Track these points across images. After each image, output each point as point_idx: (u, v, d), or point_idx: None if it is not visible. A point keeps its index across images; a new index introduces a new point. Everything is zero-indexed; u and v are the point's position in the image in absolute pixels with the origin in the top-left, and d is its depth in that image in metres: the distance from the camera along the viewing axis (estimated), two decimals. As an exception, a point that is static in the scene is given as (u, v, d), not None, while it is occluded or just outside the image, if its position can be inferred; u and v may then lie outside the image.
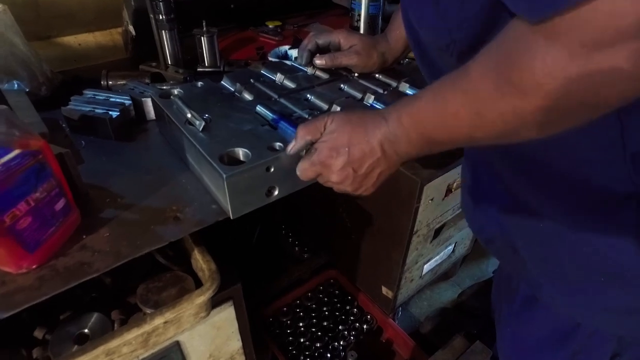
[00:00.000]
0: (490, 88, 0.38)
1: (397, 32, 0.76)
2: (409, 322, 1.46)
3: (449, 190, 1.05)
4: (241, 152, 0.57)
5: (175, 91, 0.73)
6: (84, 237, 0.53)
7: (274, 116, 0.63)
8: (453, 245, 1.34)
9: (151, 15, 0.85)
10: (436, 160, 0.92)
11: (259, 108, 0.67)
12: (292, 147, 0.55)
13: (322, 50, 0.78)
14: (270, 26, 1.13)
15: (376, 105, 0.70)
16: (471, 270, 1.64)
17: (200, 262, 0.63)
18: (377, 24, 1.13)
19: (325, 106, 0.69)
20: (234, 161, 0.57)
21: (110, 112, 0.73)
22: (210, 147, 0.57)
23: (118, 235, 0.54)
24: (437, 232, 1.18)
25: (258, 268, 1.44)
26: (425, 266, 1.27)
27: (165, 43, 0.93)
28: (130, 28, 1.02)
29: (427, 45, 0.54)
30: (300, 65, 0.80)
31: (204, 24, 0.92)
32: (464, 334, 1.29)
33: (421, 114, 0.46)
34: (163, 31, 0.90)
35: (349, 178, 0.53)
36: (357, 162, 0.51)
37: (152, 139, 0.74)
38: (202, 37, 0.92)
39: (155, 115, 0.76)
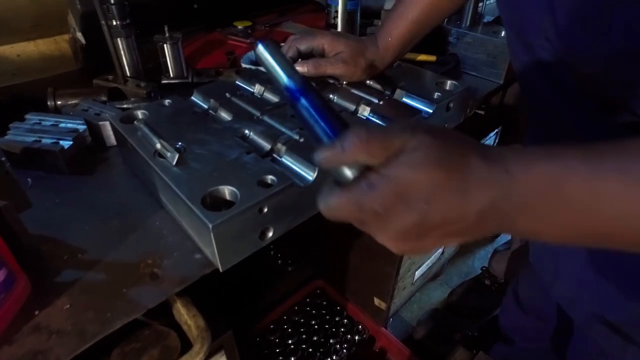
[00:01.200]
0: None
1: (389, 40, 0.68)
2: (401, 328, 1.41)
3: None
4: (227, 191, 0.48)
5: (139, 113, 0.63)
6: (37, 312, 0.43)
7: (291, 85, 0.38)
8: (442, 247, 1.29)
9: (102, 22, 0.73)
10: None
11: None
12: (327, 156, 0.33)
13: (304, 57, 0.69)
14: (240, 27, 1.03)
15: (373, 119, 0.62)
16: (458, 268, 1.61)
17: (185, 316, 0.54)
18: (356, 20, 1.05)
19: (316, 123, 0.61)
20: (218, 202, 0.48)
21: (61, 142, 0.61)
22: (189, 187, 0.48)
23: (81, 305, 0.44)
24: (429, 237, 1.12)
25: (240, 286, 1.35)
26: (417, 272, 1.22)
27: (122, 52, 0.81)
28: (79, 35, 0.88)
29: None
30: None
31: (165, 29, 0.80)
32: (460, 337, 1.26)
33: (626, 192, 0.28)
34: (118, 39, 0.79)
35: (408, 243, 0.33)
36: (430, 228, 0.31)
37: (116, 170, 0.64)
38: (164, 45, 0.81)
39: (117, 141, 0.65)
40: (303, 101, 0.37)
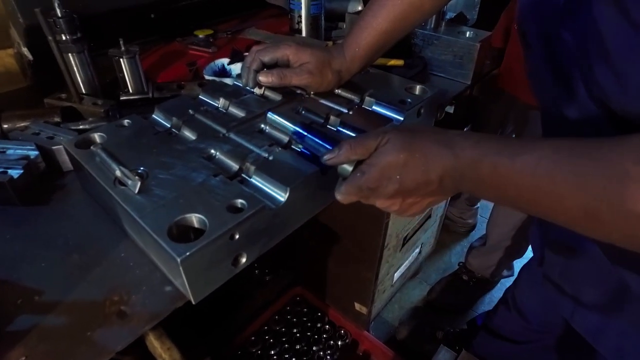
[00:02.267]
0: None
1: (356, 50, 0.66)
2: (383, 329, 1.41)
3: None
4: (195, 219, 0.45)
5: (97, 136, 0.59)
6: (-10, 368, 0.39)
7: (297, 128, 0.57)
8: (420, 247, 1.30)
9: (49, 37, 0.68)
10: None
11: (271, 115, 0.60)
12: (330, 158, 0.48)
13: (268, 67, 0.67)
14: (200, 36, 0.99)
15: (344, 131, 0.61)
16: (435, 264, 1.63)
17: (159, 349, 0.51)
18: (320, 24, 1.03)
19: (285, 138, 0.58)
20: (186, 230, 0.45)
21: (9, 171, 0.56)
22: (154, 218, 0.45)
23: (40, 356, 0.40)
24: (405, 239, 1.12)
25: (217, 299, 1.31)
26: (395, 274, 1.22)
27: (75, 68, 0.76)
28: (25, 51, 0.83)
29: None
30: (246, 86, 0.68)
31: (121, 42, 0.76)
32: (442, 336, 1.27)
33: (515, 178, 0.39)
34: (69, 54, 0.74)
35: (396, 205, 0.48)
36: (408, 191, 0.46)
37: (74, 198, 0.59)
38: (121, 59, 0.76)
39: (74, 166, 0.61)
40: (309, 135, 0.57)
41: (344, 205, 0.48)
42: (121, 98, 0.78)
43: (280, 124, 0.60)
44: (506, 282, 1.53)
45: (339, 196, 0.47)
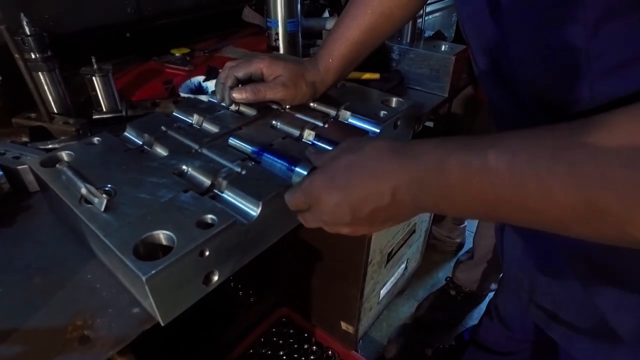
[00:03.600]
0: None
1: (330, 61, 0.67)
2: (372, 348, 1.38)
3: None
4: (163, 236, 0.43)
5: (64, 155, 0.57)
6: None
7: (254, 148, 0.56)
8: (405, 262, 1.28)
9: (16, 55, 0.66)
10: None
11: (232, 140, 0.59)
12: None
13: (243, 83, 0.66)
14: (177, 54, 0.98)
15: (318, 144, 0.60)
16: (423, 280, 1.61)
17: (127, 378, 0.48)
18: (298, 41, 1.04)
19: (259, 152, 0.57)
20: (155, 249, 0.43)
21: (-28, 193, 0.54)
22: (120, 236, 0.43)
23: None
24: (390, 255, 1.11)
25: (199, 322, 1.27)
26: (382, 291, 1.20)
27: (46, 87, 0.74)
28: (-7, 71, 0.81)
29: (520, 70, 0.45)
30: (221, 102, 0.68)
31: (93, 60, 0.75)
32: (432, 353, 1.25)
33: (492, 177, 0.33)
34: (40, 73, 0.72)
35: (344, 218, 0.42)
36: (356, 203, 0.40)
37: (40, 219, 0.57)
38: (93, 78, 0.75)
39: (40, 186, 0.59)
40: (265, 154, 0.55)
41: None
42: (94, 117, 0.76)
43: (240, 147, 0.58)
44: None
45: (286, 200, 0.47)
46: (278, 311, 1.36)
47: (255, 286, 1.36)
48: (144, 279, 0.38)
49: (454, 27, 1.59)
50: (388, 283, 1.22)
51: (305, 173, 0.48)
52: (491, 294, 1.51)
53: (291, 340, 1.31)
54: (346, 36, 0.67)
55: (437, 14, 1.44)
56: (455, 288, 1.46)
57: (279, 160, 0.53)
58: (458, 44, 0.94)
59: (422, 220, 1.24)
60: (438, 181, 0.36)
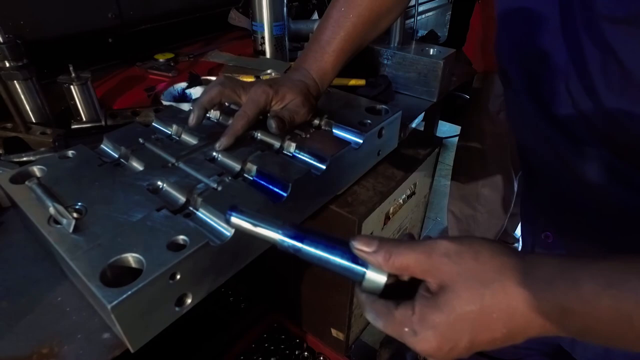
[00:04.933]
0: None
1: (322, 72, 0.65)
2: (364, 352, 1.37)
3: (387, 218, 0.97)
4: (131, 259, 0.42)
5: (36, 169, 0.55)
6: None
7: (285, 234, 0.38)
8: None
9: (-11, 64, 0.65)
10: (372, 194, 0.83)
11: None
12: (360, 250, 0.35)
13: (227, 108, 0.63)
14: (161, 60, 0.96)
15: (300, 156, 0.58)
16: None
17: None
18: (284, 45, 1.02)
19: (237, 166, 0.56)
20: (124, 272, 0.42)
21: (-60, 211, 0.53)
22: (87, 260, 0.41)
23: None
24: (381, 260, 1.10)
25: (191, 330, 1.26)
26: (373, 296, 1.18)
27: (22, 97, 0.73)
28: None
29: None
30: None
31: (71, 68, 0.73)
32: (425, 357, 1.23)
33: (601, 326, 0.30)
34: (15, 82, 0.71)
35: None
36: (477, 349, 0.34)
37: (12, 238, 0.55)
38: (71, 86, 0.73)
39: (11, 203, 0.57)
40: (306, 247, 0.37)
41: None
42: (72, 126, 0.74)
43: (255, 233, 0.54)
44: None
45: (377, 324, 0.35)
46: (269, 317, 1.35)
47: (246, 292, 1.34)
48: (109, 307, 0.37)
49: (448, 26, 1.58)
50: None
51: (383, 282, 0.35)
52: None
53: (282, 347, 1.30)
54: (335, 45, 0.65)
55: (430, 14, 1.43)
56: None
57: (334, 257, 0.36)
58: (452, 44, 0.93)
59: (413, 225, 1.23)
60: (583, 312, 0.30)
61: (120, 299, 0.37)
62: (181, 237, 0.43)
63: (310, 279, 1.08)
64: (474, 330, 0.32)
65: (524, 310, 0.31)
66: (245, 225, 0.37)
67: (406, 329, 0.33)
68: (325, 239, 0.36)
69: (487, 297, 0.31)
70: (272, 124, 0.57)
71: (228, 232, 0.46)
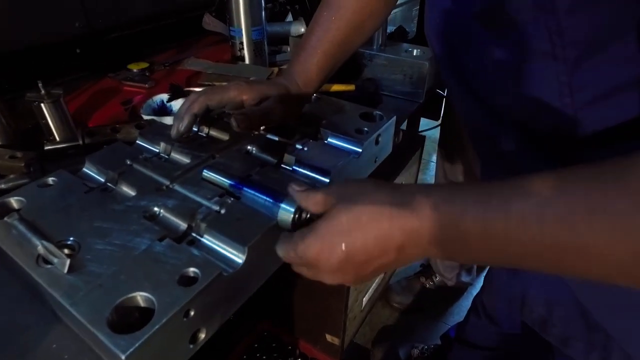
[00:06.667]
0: None
1: (308, 75, 0.64)
2: (357, 354, 1.37)
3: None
4: (140, 299, 0.39)
5: (13, 201, 0.50)
6: None
7: (232, 182, 0.50)
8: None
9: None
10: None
11: (207, 173, 0.52)
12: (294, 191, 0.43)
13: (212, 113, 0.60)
14: (135, 70, 0.91)
15: (300, 170, 0.56)
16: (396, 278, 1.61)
17: None
18: (264, 50, 0.99)
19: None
20: (129, 311, 0.39)
21: None
22: (89, 303, 0.38)
23: None
24: (372, 262, 1.09)
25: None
26: (364, 299, 1.18)
27: (-15, 118, 0.67)
28: None
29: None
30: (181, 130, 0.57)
31: (40, 85, 0.67)
32: (418, 354, 1.25)
33: (519, 233, 0.30)
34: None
35: (346, 278, 0.39)
36: (359, 265, 0.38)
37: (-10, 277, 0.50)
38: (41, 105, 0.68)
39: (-12, 239, 0.52)
40: (245, 189, 0.49)
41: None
42: (46, 148, 0.69)
43: (216, 181, 0.52)
44: (472, 290, 1.54)
45: (279, 252, 0.42)
46: (260, 325, 1.32)
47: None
48: (123, 357, 0.34)
49: (415, 22, 1.58)
50: (370, 289, 1.20)
51: (292, 211, 0.44)
52: (471, 289, 1.54)
53: (275, 355, 1.28)
54: (322, 49, 0.63)
55: (397, 10, 1.42)
56: (425, 274, 1.49)
57: (262, 196, 0.48)
58: (421, 39, 0.93)
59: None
60: (452, 240, 0.34)
61: (135, 347, 0.34)
62: (191, 269, 0.41)
63: (303, 287, 1.06)
64: (348, 232, 0.36)
65: (391, 213, 0.35)
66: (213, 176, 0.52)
67: (298, 240, 0.39)
68: (261, 188, 0.48)
69: (359, 205, 0.36)
70: (233, 121, 0.54)
71: (239, 258, 0.43)
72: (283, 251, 0.41)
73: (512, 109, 0.47)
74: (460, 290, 1.54)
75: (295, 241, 0.39)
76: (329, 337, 1.13)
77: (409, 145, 1.02)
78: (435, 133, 1.60)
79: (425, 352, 1.27)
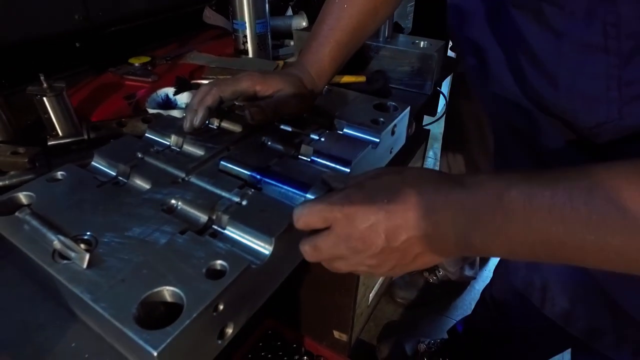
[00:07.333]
0: None
1: (321, 65, 0.63)
2: (362, 350, 1.36)
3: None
4: (167, 293, 0.37)
5: (22, 196, 0.48)
6: None
7: (252, 172, 0.49)
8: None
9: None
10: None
11: (225, 164, 0.51)
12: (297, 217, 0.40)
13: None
14: (136, 64, 0.89)
15: (318, 160, 0.55)
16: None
17: None
18: (267, 43, 0.97)
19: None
20: (155, 306, 0.37)
21: None
22: (114, 300, 0.36)
23: None
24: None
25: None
26: (370, 295, 1.17)
27: (-16, 113, 0.64)
28: None
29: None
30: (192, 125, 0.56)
31: (42, 78, 0.65)
32: (425, 349, 1.24)
33: (565, 213, 0.29)
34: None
35: (375, 246, 0.36)
36: (393, 229, 0.35)
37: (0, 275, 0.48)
38: (44, 99, 0.65)
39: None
40: (266, 179, 0.48)
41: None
42: (49, 143, 0.66)
43: (235, 172, 0.51)
44: (475, 284, 1.54)
45: (313, 213, 0.38)
46: (264, 323, 1.31)
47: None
48: (155, 353, 0.32)
49: (411, 18, 1.57)
50: (376, 285, 1.19)
51: None
52: (473, 283, 1.54)
53: (280, 353, 1.26)
54: (335, 38, 0.62)
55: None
56: (429, 269, 1.48)
57: (284, 186, 0.47)
58: (416, 35, 0.92)
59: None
60: (493, 215, 0.32)
61: (166, 343, 0.32)
62: (219, 262, 0.39)
63: (311, 284, 1.05)
64: (393, 196, 0.35)
65: (438, 184, 0.36)
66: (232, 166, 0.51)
67: (345, 196, 0.37)
68: (283, 178, 0.48)
69: (405, 172, 0.37)
70: (247, 114, 0.54)
71: (266, 250, 0.42)
72: (306, 208, 0.38)
73: (553, 102, 0.46)
74: (463, 284, 1.54)
75: (326, 195, 0.38)
76: (336, 334, 1.12)
77: (415, 139, 1.01)
78: (433, 128, 1.59)
79: (432, 346, 1.26)
